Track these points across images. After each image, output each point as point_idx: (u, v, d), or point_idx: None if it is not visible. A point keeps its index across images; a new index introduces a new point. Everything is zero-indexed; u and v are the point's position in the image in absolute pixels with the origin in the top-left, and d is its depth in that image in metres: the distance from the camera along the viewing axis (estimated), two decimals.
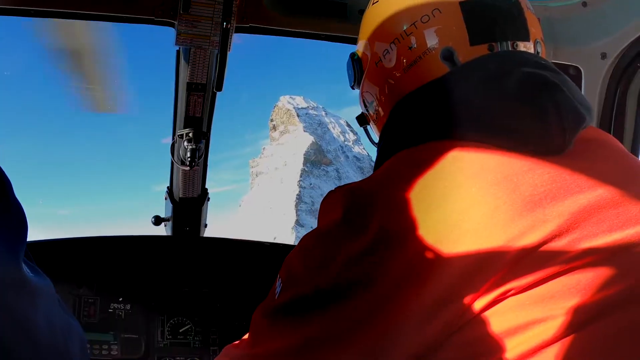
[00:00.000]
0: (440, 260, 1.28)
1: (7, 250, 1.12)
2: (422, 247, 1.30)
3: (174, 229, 3.75)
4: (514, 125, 1.44)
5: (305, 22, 2.87)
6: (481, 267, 1.26)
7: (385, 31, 1.76)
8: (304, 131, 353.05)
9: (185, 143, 3.14)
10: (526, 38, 1.65)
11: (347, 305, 1.38)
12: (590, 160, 1.47)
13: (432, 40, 1.66)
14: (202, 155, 3.21)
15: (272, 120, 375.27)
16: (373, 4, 1.86)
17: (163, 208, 3.81)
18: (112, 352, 3.35)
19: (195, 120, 3.13)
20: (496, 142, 1.44)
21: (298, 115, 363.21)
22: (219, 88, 2.78)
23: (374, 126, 1.97)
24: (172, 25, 2.67)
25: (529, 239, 1.27)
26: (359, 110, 2.03)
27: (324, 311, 1.41)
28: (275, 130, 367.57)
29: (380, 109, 1.86)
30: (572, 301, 1.23)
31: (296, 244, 1.63)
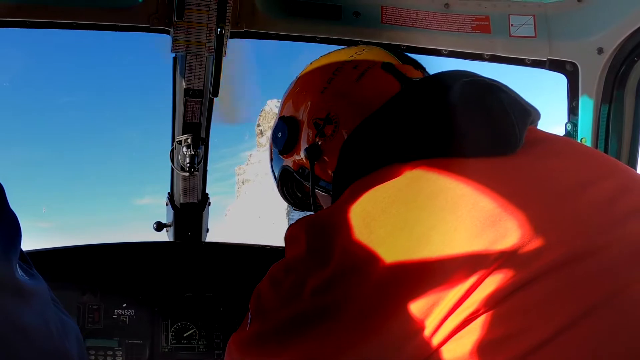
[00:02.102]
0: (405, 285, 1.26)
1: (0, 255, 1.14)
2: (386, 273, 1.29)
3: (175, 234, 3.68)
4: (463, 131, 1.45)
5: (300, 25, 2.82)
6: (447, 288, 1.23)
7: (325, 69, 1.87)
8: None
9: (184, 149, 3.07)
10: None
11: (317, 334, 1.36)
12: (546, 159, 1.48)
13: (372, 58, 1.82)
14: (201, 160, 3.14)
15: (259, 126, 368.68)
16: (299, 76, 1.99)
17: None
18: (116, 358, 3.28)
19: (194, 126, 3.06)
20: (450, 154, 1.43)
21: None
22: (215, 94, 2.70)
23: (327, 150, 1.82)
24: (167, 32, 2.62)
25: (493, 254, 1.23)
26: None
27: (295, 340, 1.39)
28: (262, 135, 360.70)
29: (338, 120, 1.79)
30: (543, 311, 1.21)
31: None
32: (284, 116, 1.94)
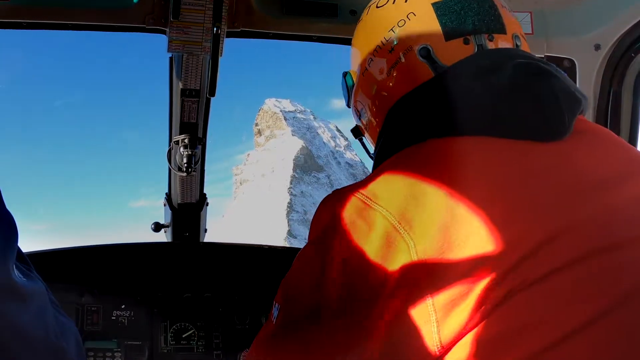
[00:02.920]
0: (445, 261, 1.24)
1: None
2: (425, 247, 1.26)
3: (173, 235, 3.66)
4: (511, 114, 1.42)
5: (296, 24, 2.80)
6: (487, 266, 1.21)
7: (369, 41, 1.78)
8: (293, 135, 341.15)
9: (182, 149, 3.05)
10: (502, 31, 1.63)
11: (353, 313, 1.32)
12: (588, 150, 1.44)
13: (409, 41, 1.65)
14: (198, 160, 3.11)
15: (256, 125, 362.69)
16: (358, 22, 1.89)
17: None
18: (116, 359, 3.25)
19: (191, 126, 3.04)
20: (495, 134, 1.41)
21: (285, 119, 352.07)
22: (212, 94, 2.68)
23: (369, 136, 1.95)
24: (163, 32, 2.59)
25: (535, 236, 1.22)
26: (348, 115, 1.99)
27: (330, 323, 1.35)
28: (260, 135, 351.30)
29: (372, 117, 1.84)
30: (579, 297, 1.19)
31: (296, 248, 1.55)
32: (345, 72, 1.96)
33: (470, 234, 1.23)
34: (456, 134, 1.44)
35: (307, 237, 1.52)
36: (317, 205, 1.54)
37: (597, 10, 2.60)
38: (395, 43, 1.68)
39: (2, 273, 1.16)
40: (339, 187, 1.57)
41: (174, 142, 3.08)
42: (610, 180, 1.36)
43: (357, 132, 2.02)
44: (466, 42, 1.59)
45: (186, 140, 3.03)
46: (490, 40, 1.60)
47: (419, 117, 1.55)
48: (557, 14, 2.75)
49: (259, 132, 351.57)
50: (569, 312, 1.17)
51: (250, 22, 2.74)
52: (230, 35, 2.72)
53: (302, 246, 1.56)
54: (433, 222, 1.27)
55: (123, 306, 3.39)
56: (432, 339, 1.23)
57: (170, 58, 2.82)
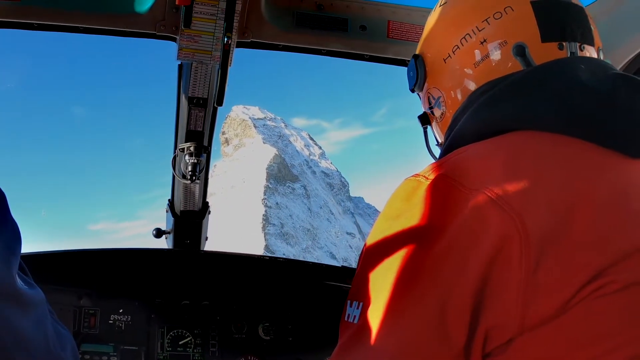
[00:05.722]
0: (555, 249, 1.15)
1: (1, 263, 1.14)
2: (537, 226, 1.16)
3: (174, 242, 3.58)
4: (610, 122, 1.35)
5: (306, 37, 2.73)
6: (588, 259, 1.14)
7: (456, 28, 1.68)
8: (264, 143, 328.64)
9: (187, 157, 2.99)
10: (592, 43, 1.60)
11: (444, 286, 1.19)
12: None
13: (504, 36, 1.59)
14: (202, 169, 3.06)
15: (224, 133, 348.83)
16: (440, 5, 1.78)
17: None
18: None
19: (197, 135, 2.98)
20: (588, 138, 1.33)
21: (255, 127, 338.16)
22: (220, 103, 2.61)
23: (438, 124, 1.83)
24: (174, 40, 2.53)
25: (630, 242, 1.16)
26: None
27: (420, 301, 1.21)
28: (228, 144, 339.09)
29: (446, 106, 1.74)
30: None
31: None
32: (417, 55, 1.83)
33: (581, 223, 1.16)
34: (545, 130, 1.37)
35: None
36: (399, 186, 1.42)
37: (606, 34, 2.50)
38: (488, 35, 1.61)
39: (6, 279, 1.16)
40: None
41: (179, 149, 3.03)
42: None
43: (424, 119, 1.91)
44: (560, 47, 1.55)
45: (192, 149, 2.98)
46: (581, 50, 1.56)
47: (509, 107, 1.45)
48: None
49: (227, 141, 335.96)
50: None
51: (260, 34, 2.67)
52: (240, 45, 2.68)
53: None
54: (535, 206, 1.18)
55: (121, 310, 3.31)
56: (515, 314, 1.15)
57: (179, 65, 2.75)
